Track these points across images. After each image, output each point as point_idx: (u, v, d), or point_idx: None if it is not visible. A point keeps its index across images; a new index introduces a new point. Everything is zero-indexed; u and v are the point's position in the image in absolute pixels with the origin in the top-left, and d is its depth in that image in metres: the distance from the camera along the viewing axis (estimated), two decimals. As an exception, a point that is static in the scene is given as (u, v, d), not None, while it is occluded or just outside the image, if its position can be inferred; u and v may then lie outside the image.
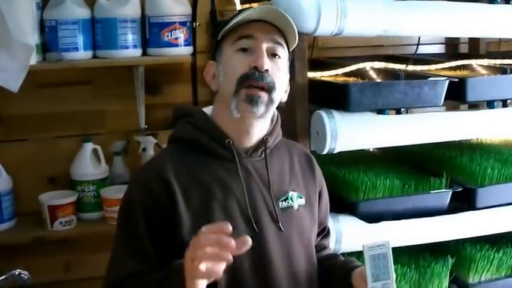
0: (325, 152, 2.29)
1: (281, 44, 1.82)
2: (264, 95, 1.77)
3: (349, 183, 2.39)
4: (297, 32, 1.84)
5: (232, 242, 1.46)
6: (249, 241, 1.50)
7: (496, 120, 2.56)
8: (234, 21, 1.79)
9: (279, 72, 1.81)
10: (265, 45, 1.79)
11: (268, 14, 1.80)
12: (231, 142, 1.82)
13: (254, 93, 1.76)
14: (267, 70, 1.77)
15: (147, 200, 1.75)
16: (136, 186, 1.81)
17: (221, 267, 1.48)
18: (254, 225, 1.79)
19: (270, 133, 1.89)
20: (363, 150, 2.70)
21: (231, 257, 1.47)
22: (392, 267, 1.74)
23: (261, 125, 1.85)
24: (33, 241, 2.77)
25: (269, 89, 1.77)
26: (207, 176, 1.80)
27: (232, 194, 1.79)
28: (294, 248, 1.85)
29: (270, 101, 1.78)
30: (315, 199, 1.97)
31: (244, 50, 1.79)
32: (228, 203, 1.78)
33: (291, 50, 1.89)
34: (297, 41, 1.87)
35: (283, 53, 1.83)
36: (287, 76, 1.89)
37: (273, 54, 1.81)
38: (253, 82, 1.76)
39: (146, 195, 1.76)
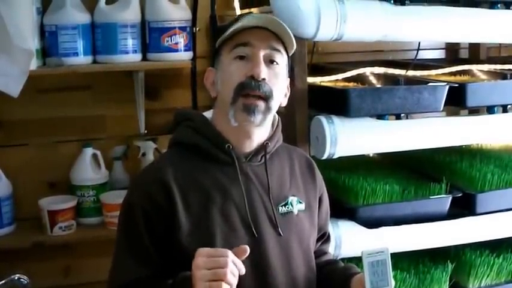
0: (324, 157, 2.29)
1: (279, 50, 1.82)
2: (261, 104, 1.77)
3: (349, 188, 2.39)
4: (293, 39, 1.84)
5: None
6: (247, 249, 1.61)
7: (496, 126, 2.56)
8: (231, 29, 1.79)
9: (276, 79, 1.82)
10: (262, 53, 1.79)
11: (266, 21, 1.80)
12: (231, 147, 1.82)
13: (251, 102, 1.76)
14: (263, 79, 1.77)
15: (147, 204, 1.76)
16: (136, 191, 1.82)
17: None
18: (253, 230, 1.79)
19: (270, 138, 1.89)
20: (362, 156, 2.69)
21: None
22: (391, 274, 1.74)
23: (261, 131, 1.86)
24: (33, 246, 2.76)
25: (266, 98, 1.78)
26: (207, 180, 1.80)
27: (231, 199, 1.80)
28: (293, 253, 1.85)
29: (268, 109, 1.79)
30: (315, 204, 1.97)
31: (241, 57, 1.80)
32: (227, 208, 1.79)
33: (290, 54, 1.88)
34: (295, 47, 1.87)
35: (281, 59, 1.83)
36: (286, 81, 1.90)
37: (270, 61, 1.81)
38: (249, 91, 1.76)
39: (146, 199, 1.76)
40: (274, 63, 1.82)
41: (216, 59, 1.88)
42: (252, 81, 1.76)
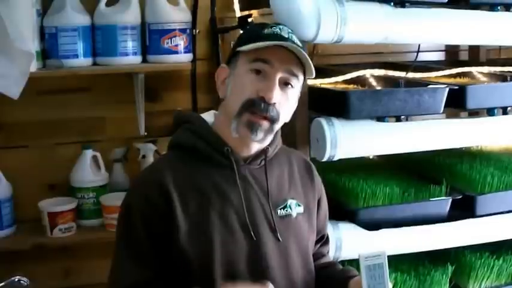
0: (325, 159, 2.28)
1: (296, 76, 1.80)
2: (265, 124, 1.77)
3: (349, 190, 2.39)
4: (313, 68, 1.82)
5: None
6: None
7: (496, 128, 2.55)
8: (257, 44, 1.75)
9: (287, 102, 1.81)
10: (279, 75, 1.77)
11: (292, 45, 1.77)
12: (230, 150, 1.82)
13: (255, 120, 1.76)
14: (274, 103, 1.76)
15: (146, 207, 1.76)
16: (135, 193, 1.82)
17: None
18: (252, 233, 1.78)
19: (270, 143, 1.88)
20: (362, 158, 2.69)
21: None
22: (388, 277, 1.74)
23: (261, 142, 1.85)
24: (33, 248, 2.77)
25: (272, 120, 1.77)
26: (206, 183, 1.80)
27: (230, 202, 1.80)
28: (291, 255, 1.85)
29: (271, 130, 1.79)
30: (313, 207, 1.97)
31: (258, 72, 1.77)
32: (226, 211, 1.78)
33: (307, 78, 1.87)
34: (313, 75, 1.85)
35: (296, 83, 1.82)
36: (295, 105, 1.88)
37: (285, 83, 1.79)
38: (257, 111, 1.75)
39: (144, 202, 1.76)
40: (289, 86, 1.80)
41: (233, 60, 1.85)
42: (261, 103, 1.75)
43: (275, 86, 1.76)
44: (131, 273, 1.75)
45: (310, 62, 1.80)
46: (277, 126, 1.81)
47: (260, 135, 1.78)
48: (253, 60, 1.78)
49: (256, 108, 1.75)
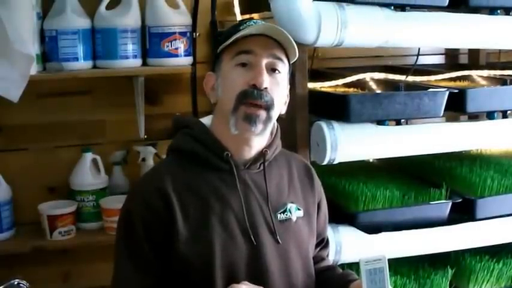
0: (325, 163, 2.29)
1: (281, 59, 1.81)
2: (262, 113, 1.76)
3: (349, 193, 2.39)
4: (296, 48, 1.83)
5: None
6: None
7: (495, 131, 2.56)
8: (234, 36, 1.78)
9: (278, 87, 1.81)
10: (265, 61, 1.78)
11: (269, 29, 1.79)
12: (229, 154, 1.82)
13: (252, 112, 1.75)
14: (265, 88, 1.76)
15: (146, 213, 1.75)
16: (135, 199, 1.81)
17: None
18: (252, 237, 1.78)
19: (269, 146, 1.89)
20: (363, 161, 2.70)
21: None
22: (389, 281, 1.74)
23: (260, 139, 1.85)
24: (33, 251, 2.76)
25: (267, 107, 1.77)
26: (205, 188, 1.80)
27: (230, 207, 1.79)
28: (291, 260, 1.85)
29: (268, 118, 1.78)
30: (313, 210, 1.97)
31: (243, 65, 1.78)
32: (226, 216, 1.78)
33: (291, 63, 1.88)
34: (297, 56, 1.86)
35: (283, 67, 1.82)
36: (287, 89, 1.89)
37: (272, 69, 1.80)
38: (251, 100, 1.75)
39: (145, 208, 1.76)
40: (276, 71, 1.81)
41: (217, 64, 1.86)
42: (254, 90, 1.75)
43: (263, 71, 1.77)
44: (133, 281, 1.75)
45: (293, 41, 1.81)
46: (274, 114, 1.80)
47: (259, 126, 1.77)
48: (236, 54, 1.79)
49: (250, 98, 1.75)
